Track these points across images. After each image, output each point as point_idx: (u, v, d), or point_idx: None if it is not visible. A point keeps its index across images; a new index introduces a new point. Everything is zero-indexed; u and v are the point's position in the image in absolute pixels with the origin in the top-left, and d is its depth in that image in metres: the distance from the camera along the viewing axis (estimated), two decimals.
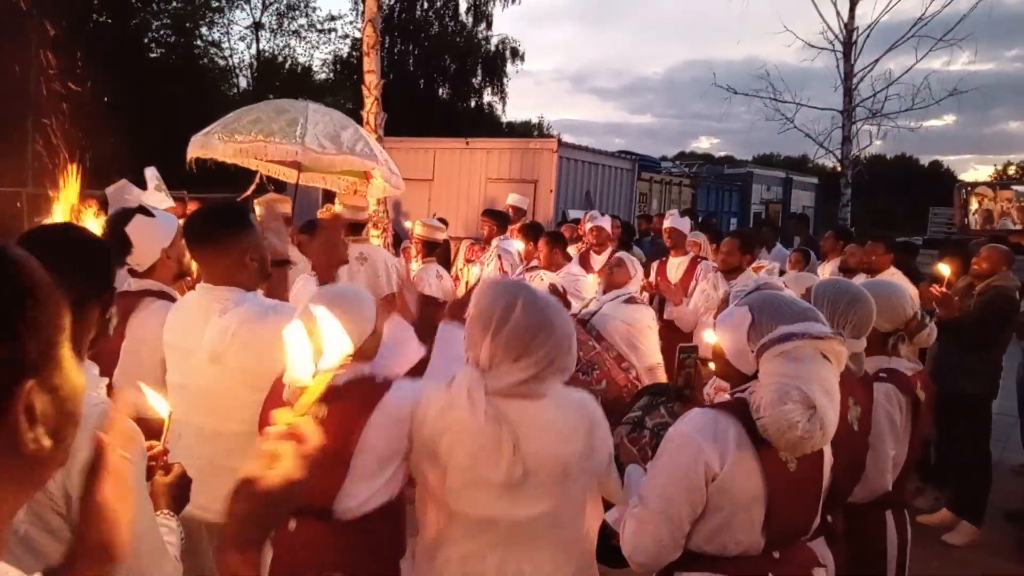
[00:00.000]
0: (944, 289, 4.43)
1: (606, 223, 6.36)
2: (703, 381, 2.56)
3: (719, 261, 5.52)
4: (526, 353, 1.79)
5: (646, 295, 5.29)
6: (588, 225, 6.43)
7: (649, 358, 3.97)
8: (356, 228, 5.10)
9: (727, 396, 2.02)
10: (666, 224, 5.97)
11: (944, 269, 4.53)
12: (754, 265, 5.16)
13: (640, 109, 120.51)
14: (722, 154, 42.22)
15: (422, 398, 1.92)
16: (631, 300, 4.15)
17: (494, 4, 27.63)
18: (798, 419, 1.65)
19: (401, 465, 1.95)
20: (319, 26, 27.61)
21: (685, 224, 6.04)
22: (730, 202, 15.99)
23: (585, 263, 6.05)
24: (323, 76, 28.31)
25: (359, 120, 7.06)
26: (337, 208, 5.13)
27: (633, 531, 1.83)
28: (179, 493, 1.44)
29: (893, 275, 5.27)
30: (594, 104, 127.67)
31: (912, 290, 5.11)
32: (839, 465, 2.01)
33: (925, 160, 47.61)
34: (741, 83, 15.90)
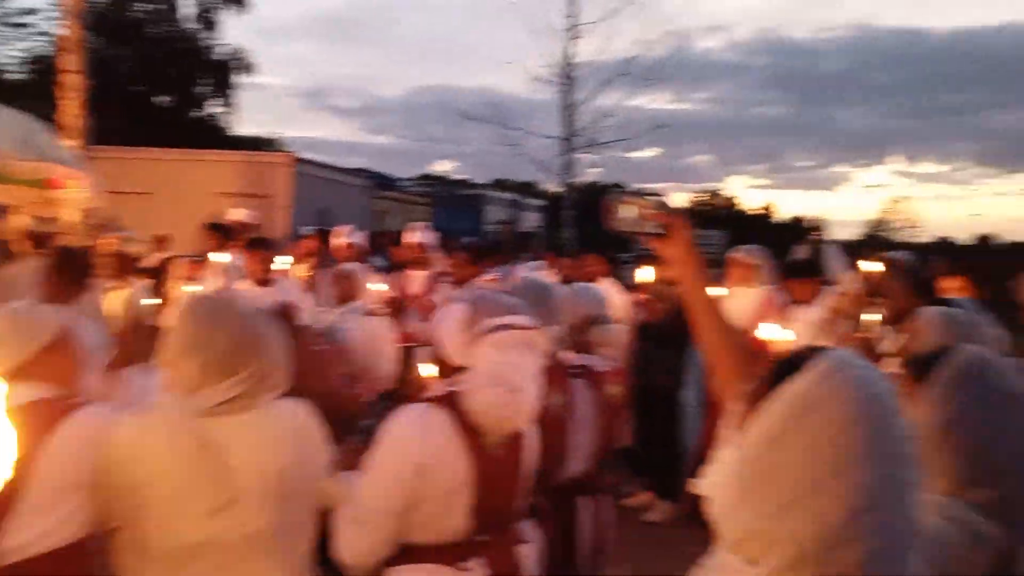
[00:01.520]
0: (647, 295, 5.01)
1: (428, 238, 6.29)
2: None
3: (454, 274, 5.74)
4: (233, 372, 1.71)
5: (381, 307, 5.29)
6: (412, 239, 6.24)
7: (387, 368, 4.02)
8: (42, 241, 4.52)
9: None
10: (412, 239, 6.05)
11: (645, 276, 5.10)
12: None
13: (379, 130, 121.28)
14: (460, 177, 43.91)
15: (115, 424, 1.76)
16: (370, 313, 4.18)
17: (222, 11, 26.12)
18: (503, 400, 1.80)
19: (84, 500, 1.75)
20: (11, 20, 24.00)
21: (431, 239, 6.19)
22: (465, 221, 16.66)
23: (402, 281, 5.92)
24: (18, 76, 24.60)
25: (57, 125, 6.25)
26: (22, 221, 4.50)
27: (347, 534, 1.83)
28: None
29: (606, 285, 5.87)
30: (332, 122, 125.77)
31: (621, 297, 5.78)
32: (544, 448, 2.18)
33: (635, 187, 53.55)
34: (475, 109, 16.75)
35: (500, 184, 27.97)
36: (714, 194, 60.07)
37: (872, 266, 3.62)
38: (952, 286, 3.63)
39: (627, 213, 1.46)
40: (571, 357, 2.75)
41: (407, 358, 2.65)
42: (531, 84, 16.67)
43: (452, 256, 6.27)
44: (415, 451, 1.82)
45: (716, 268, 6.82)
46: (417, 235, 6.10)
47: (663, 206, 1.46)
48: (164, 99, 26.25)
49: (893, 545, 0.94)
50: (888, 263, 3.34)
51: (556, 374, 2.47)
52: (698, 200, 57.85)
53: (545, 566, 2.30)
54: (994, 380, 1.38)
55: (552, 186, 18.47)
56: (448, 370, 1.98)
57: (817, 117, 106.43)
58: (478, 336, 1.90)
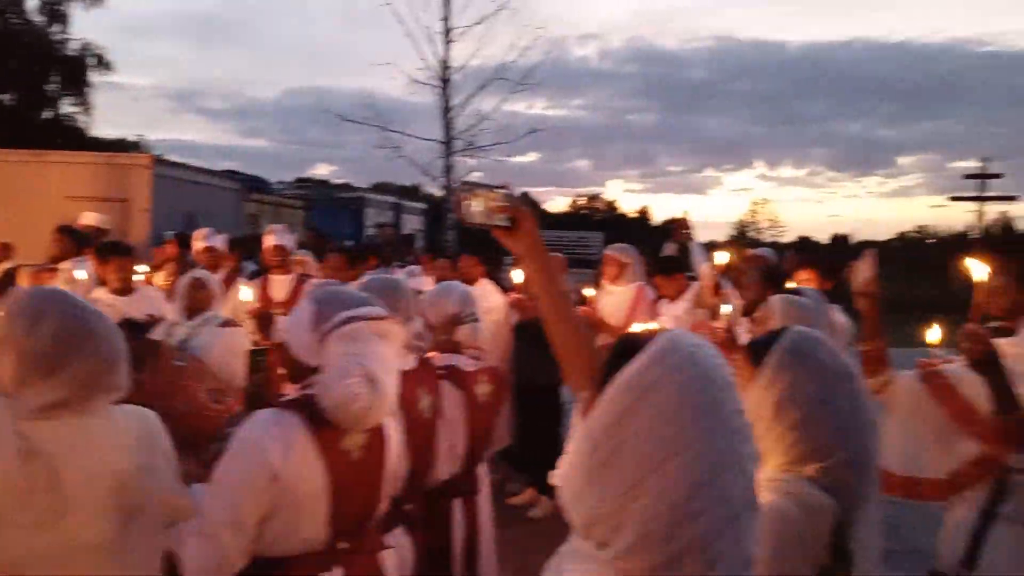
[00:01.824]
0: (523, 295, 5.03)
1: (288, 241, 5.94)
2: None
3: (326, 277, 5.55)
4: (52, 372, 1.56)
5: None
6: (270, 242, 5.85)
7: (243, 379, 3.82)
8: None
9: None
10: (270, 242, 5.77)
11: (521, 276, 5.13)
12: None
13: (254, 133, 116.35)
14: (340, 181, 42.98)
15: None
16: (227, 323, 3.94)
17: (73, 4, 24.34)
18: (360, 391, 1.72)
19: None
20: None
21: (290, 240, 5.94)
22: (344, 225, 16.30)
23: (265, 287, 5.57)
24: None
25: None
26: None
27: (196, 550, 1.71)
28: None
29: (484, 286, 5.88)
30: (203, 125, 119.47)
31: (499, 298, 5.80)
32: (415, 452, 2.13)
33: (518, 191, 54.35)
34: (353, 112, 16.44)
35: (381, 188, 27.56)
36: (593, 197, 61.83)
37: (724, 258, 3.81)
38: (803, 278, 3.88)
39: (476, 206, 1.43)
40: (438, 357, 2.72)
41: (258, 364, 2.50)
42: (409, 87, 16.53)
43: (326, 259, 6.11)
44: (267, 458, 1.72)
45: (596, 268, 7.01)
46: (274, 238, 5.75)
47: (510, 198, 1.44)
48: (5, 97, 24.16)
49: (733, 517, 0.96)
50: (743, 258, 3.52)
51: (423, 375, 2.43)
52: (578, 203, 59.39)
53: (417, 571, 2.25)
54: (822, 358, 1.46)
55: (434, 189, 18.41)
56: (301, 372, 1.90)
57: (686, 124, 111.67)
58: (327, 332, 1.82)
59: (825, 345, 1.50)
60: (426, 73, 16.15)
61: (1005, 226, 46.04)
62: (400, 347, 1.94)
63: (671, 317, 4.72)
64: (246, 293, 4.24)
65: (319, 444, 1.77)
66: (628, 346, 1.05)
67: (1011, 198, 25.03)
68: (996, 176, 23.93)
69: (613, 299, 5.40)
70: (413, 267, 7.31)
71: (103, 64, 25.32)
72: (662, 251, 6.10)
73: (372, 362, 1.77)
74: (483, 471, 2.99)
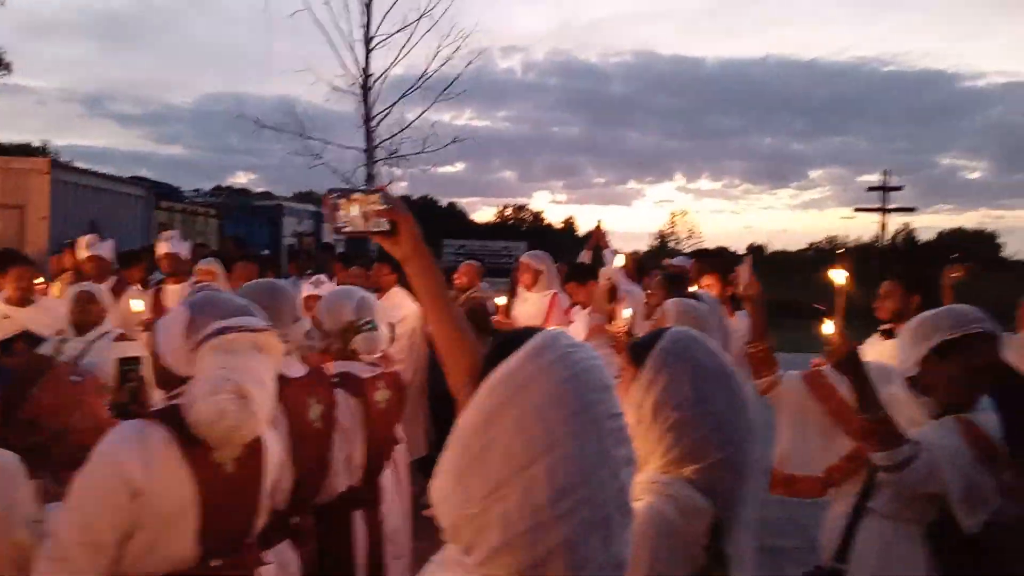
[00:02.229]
0: None
1: (182, 248, 5.67)
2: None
3: (236, 287, 5.36)
4: None
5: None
6: (162, 250, 5.56)
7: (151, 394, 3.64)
8: None
9: None
10: (162, 250, 5.53)
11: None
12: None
13: (169, 139, 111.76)
14: (260, 189, 41.92)
15: None
16: (122, 337, 3.75)
17: None
18: (229, 408, 1.63)
19: None
20: None
21: (184, 249, 5.72)
22: (261, 234, 15.85)
23: (159, 297, 5.28)
24: None
25: None
26: None
27: (47, 573, 1.58)
28: None
29: (398, 293, 5.81)
30: (115, 130, 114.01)
31: (413, 306, 5.72)
32: (303, 463, 2.05)
33: (444, 201, 54.44)
34: (272, 119, 16.09)
35: (303, 197, 26.99)
36: (520, 208, 62.22)
37: (619, 261, 3.88)
38: (705, 284, 3.99)
39: (351, 212, 1.36)
40: (333, 365, 2.64)
41: (127, 375, 2.37)
42: (330, 95, 16.30)
43: (235, 269, 5.92)
44: (126, 473, 1.61)
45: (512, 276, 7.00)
46: (165, 246, 5.54)
47: (388, 201, 1.38)
48: None
49: (602, 520, 0.94)
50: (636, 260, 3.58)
51: (313, 383, 2.35)
52: (505, 214, 59.70)
53: None
54: (700, 358, 1.45)
55: None
56: (171, 382, 1.79)
57: (609, 136, 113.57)
58: (199, 342, 1.73)
59: (704, 345, 1.50)
60: (347, 81, 15.98)
61: (907, 236, 48.72)
62: (279, 359, 1.84)
63: (583, 323, 4.75)
64: (136, 304, 4.04)
65: (187, 458, 1.67)
66: (505, 344, 1.02)
67: (911, 209, 26.46)
68: (897, 188, 25.27)
69: (527, 306, 5.42)
70: (321, 276, 7.13)
71: (1, 65, 24.04)
72: (579, 259, 6.16)
73: (245, 376, 1.68)
74: (390, 481, 2.92)
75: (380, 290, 5.91)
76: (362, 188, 1.41)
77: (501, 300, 5.35)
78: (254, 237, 15.35)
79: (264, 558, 1.89)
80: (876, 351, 3.93)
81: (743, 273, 2.63)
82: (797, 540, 4.91)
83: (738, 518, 1.42)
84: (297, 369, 2.32)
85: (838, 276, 2.29)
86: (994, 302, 2.42)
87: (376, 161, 16.65)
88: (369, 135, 16.40)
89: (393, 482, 3.09)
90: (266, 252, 11.10)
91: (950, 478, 2.14)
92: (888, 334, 3.90)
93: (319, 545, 2.32)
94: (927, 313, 2.39)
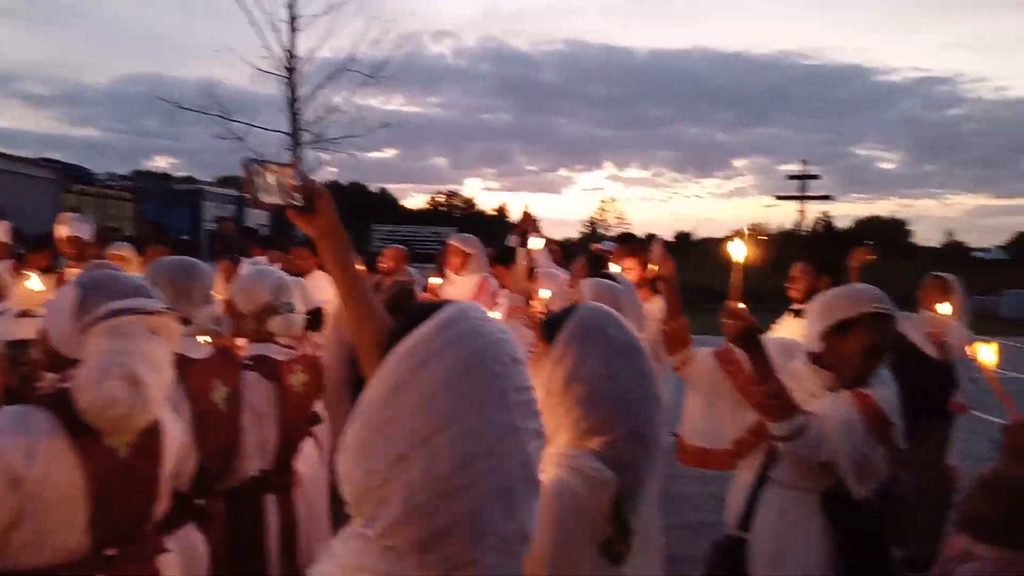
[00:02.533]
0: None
1: (84, 231, 5.38)
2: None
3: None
4: None
5: None
6: (63, 233, 5.26)
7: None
8: None
9: None
10: (62, 232, 5.27)
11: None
12: None
13: (83, 121, 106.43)
14: (182, 174, 40.43)
15: None
16: (24, 314, 3.59)
17: None
18: (120, 395, 1.56)
19: None
20: None
21: (87, 231, 5.48)
22: (181, 219, 15.34)
23: (61, 280, 4.98)
24: None
25: None
26: None
27: None
28: None
29: (321, 276, 5.70)
30: (24, 112, 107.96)
31: (332, 290, 5.62)
32: (210, 446, 1.98)
33: (375, 187, 53.79)
34: (193, 102, 15.55)
35: (226, 182, 26.17)
36: (452, 195, 61.96)
37: (537, 244, 3.92)
38: (626, 267, 4.07)
39: (266, 184, 1.29)
40: (247, 347, 2.56)
41: (16, 357, 2.25)
42: (254, 77, 15.87)
43: (148, 253, 5.69)
44: (6, 462, 1.51)
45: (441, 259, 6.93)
46: (66, 228, 5.31)
47: (302, 176, 1.34)
48: None
49: (505, 492, 0.93)
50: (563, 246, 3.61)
51: (219, 364, 2.26)
52: (437, 200, 59.33)
53: (216, 570, 2.10)
54: (610, 333, 1.46)
55: None
56: (60, 364, 1.69)
57: (540, 124, 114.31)
58: (90, 324, 1.64)
59: (614, 320, 1.51)
60: (271, 62, 15.56)
61: (825, 224, 50.71)
62: (176, 342, 1.76)
63: (505, 305, 4.76)
64: (36, 283, 3.86)
65: (75, 445, 1.58)
66: (413, 317, 1.00)
67: (828, 197, 27.49)
68: (815, 177, 26.21)
69: (456, 289, 5.39)
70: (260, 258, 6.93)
71: None
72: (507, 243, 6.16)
73: (137, 361, 1.60)
74: (312, 464, 2.87)
75: (302, 274, 5.79)
76: (278, 162, 1.37)
77: (435, 280, 5.33)
78: (174, 222, 14.84)
79: (166, 545, 1.81)
80: (787, 329, 4.08)
81: (656, 253, 2.67)
82: (718, 515, 5.06)
83: (642, 490, 1.44)
84: (202, 350, 2.23)
85: (736, 250, 2.36)
86: (903, 286, 2.53)
87: (302, 145, 16.30)
88: (294, 118, 16.04)
89: (318, 464, 3.03)
90: (186, 237, 10.75)
91: (840, 448, 2.23)
92: (798, 314, 4.05)
93: (229, 530, 2.25)
94: (829, 292, 2.48)
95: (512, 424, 0.96)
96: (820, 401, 2.35)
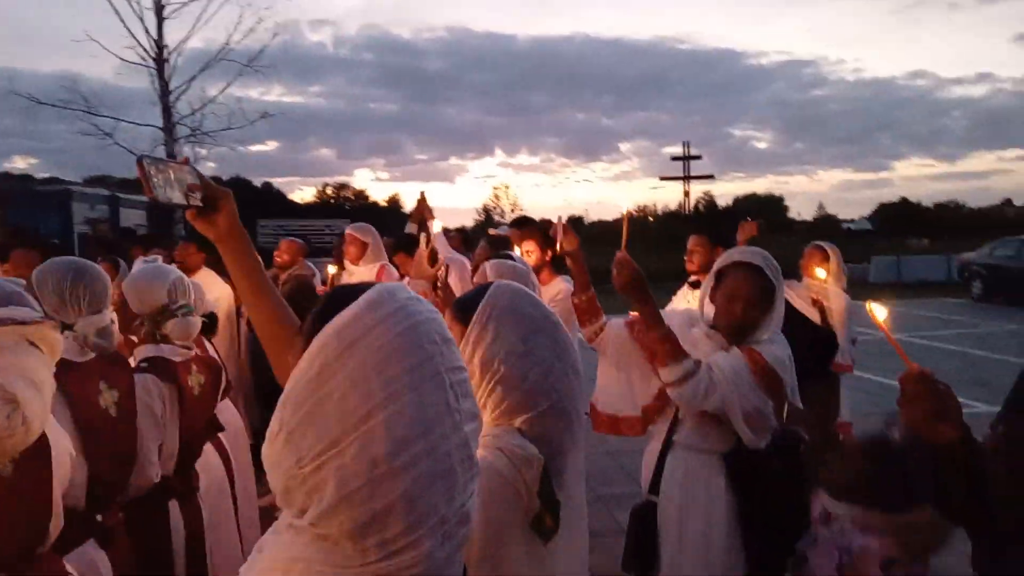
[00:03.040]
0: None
1: None
2: None
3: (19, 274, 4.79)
4: None
5: None
6: None
7: None
8: None
9: None
10: None
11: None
12: None
13: None
14: (45, 175, 37.52)
15: None
16: None
17: None
18: None
19: None
20: None
21: None
22: (48, 222, 14.29)
23: None
24: None
25: None
26: None
27: None
28: None
29: (208, 274, 5.45)
30: None
31: (224, 288, 5.39)
32: (100, 455, 1.84)
33: (258, 181, 51.75)
34: (53, 96, 14.47)
35: (96, 181, 24.52)
36: (342, 187, 60.63)
37: (439, 226, 3.92)
38: (526, 249, 4.11)
39: (168, 181, 1.24)
40: (142, 348, 2.40)
41: None
42: (119, 69, 14.91)
43: (12, 257, 5.29)
44: None
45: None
46: None
47: (200, 176, 1.29)
48: None
49: (444, 472, 0.90)
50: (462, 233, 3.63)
51: (106, 367, 2.10)
52: (326, 193, 57.87)
53: None
54: (525, 310, 1.46)
55: None
56: None
57: (428, 113, 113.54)
58: None
59: (528, 296, 1.51)
60: (138, 53, 14.67)
61: (708, 202, 53.07)
62: (57, 353, 1.62)
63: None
64: None
65: None
66: (337, 299, 0.96)
67: (710, 177, 28.70)
68: (697, 158, 27.28)
69: (356, 279, 5.28)
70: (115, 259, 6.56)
71: None
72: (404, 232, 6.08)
73: (12, 377, 1.48)
74: (215, 468, 2.75)
75: (188, 271, 5.52)
76: (174, 160, 1.31)
77: (332, 269, 5.22)
78: (41, 226, 13.83)
79: (65, 567, 1.67)
80: (685, 300, 4.25)
81: (559, 231, 2.71)
82: (626, 487, 5.22)
83: (567, 463, 1.45)
84: (83, 352, 2.06)
85: (624, 204, 2.52)
86: (783, 259, 2.69)
87: (178, 139, 15.50)
88: (167, 111, 15.21)
89: (222, 468, 2.91)
90: (56, 241, 10.02)
91: (729, 397, 2.36)
92: (696, 285, 4.21)
93: (133, 541, 2.11)
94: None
95: (448, 404, 0.93)
96: (715, 356, 2.47)
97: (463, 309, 1.48)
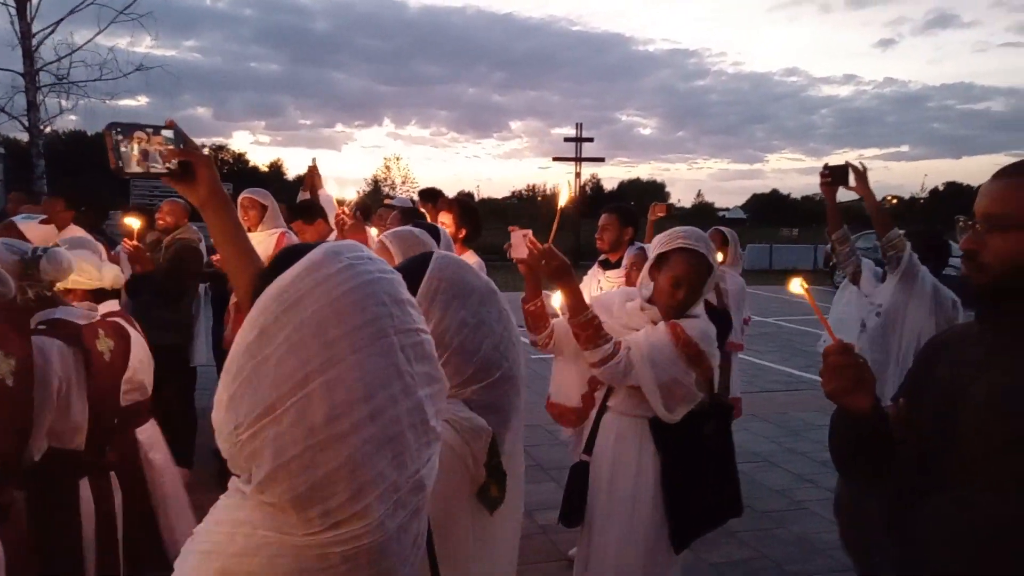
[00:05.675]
0: (135, 243, 4.42)
1: None
2: None
3: None
4: None
5: None
6: None
7: None
8: None
9: None
10: None
11: (132, 223, 4.48)
12: None
13: None
14: None
15: None
16: None
17: None
18: None
19: None
20: None
21: None
22: None
23: None
24: None
25: None
26: None
27: None
28: None
29: (73, 232, 5.05)
30: None
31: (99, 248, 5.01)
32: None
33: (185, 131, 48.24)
34: None
35: None
36: (220, 148, 57.66)
37: (350, 194, 3.89)
38: (442, 222, 4.07)
39: (136, 151, 1.19)
40: (38, 315, 2.17)
41: None
42: None
43: None
44: None
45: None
46: None
47: (180, 140, 1.25)
48: None
49: (391, 438, 0.87)
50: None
51: (9, 332, 1.91)
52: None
53: (28, 570, 1.82)
54: (468, 281, 1.45)
55: (16, 131, 15.30)
56: None
57: (314, 77, 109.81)
58: None
59: (468, 267, 1.50)
60: None
61: (595, 185, 54.34)
62: None
63: None
64: None
65: None
66: (283, 259, 0.92)
67: (601, 160, 29.31)
68: (589, 140, 27.76)
69: (255, 244, 5.04)
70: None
71: None
72: (297, 200, 5.88)
73: None
74: (157, 454, 2.59)
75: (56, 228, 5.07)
76: (149, 125, 1.24)
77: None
78: None
79: None
80: (595, 280, 4.34)
81: (516, 241, 2.56)
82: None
83: (511, 429, 1.45)
84: None
85: (562, 188, 2.60)
86: None
87: (40, 87, 14.22)
88: (29, 56, 13.91)
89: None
90: None
91: (645, 373, 2.54)
92: (606, 264, 4.30)
93: (36, 522, 1.93)
94: (659, 235, 2.73)
95: (396, 367, 0.89)
96: (637, 333, 2.64)
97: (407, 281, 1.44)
